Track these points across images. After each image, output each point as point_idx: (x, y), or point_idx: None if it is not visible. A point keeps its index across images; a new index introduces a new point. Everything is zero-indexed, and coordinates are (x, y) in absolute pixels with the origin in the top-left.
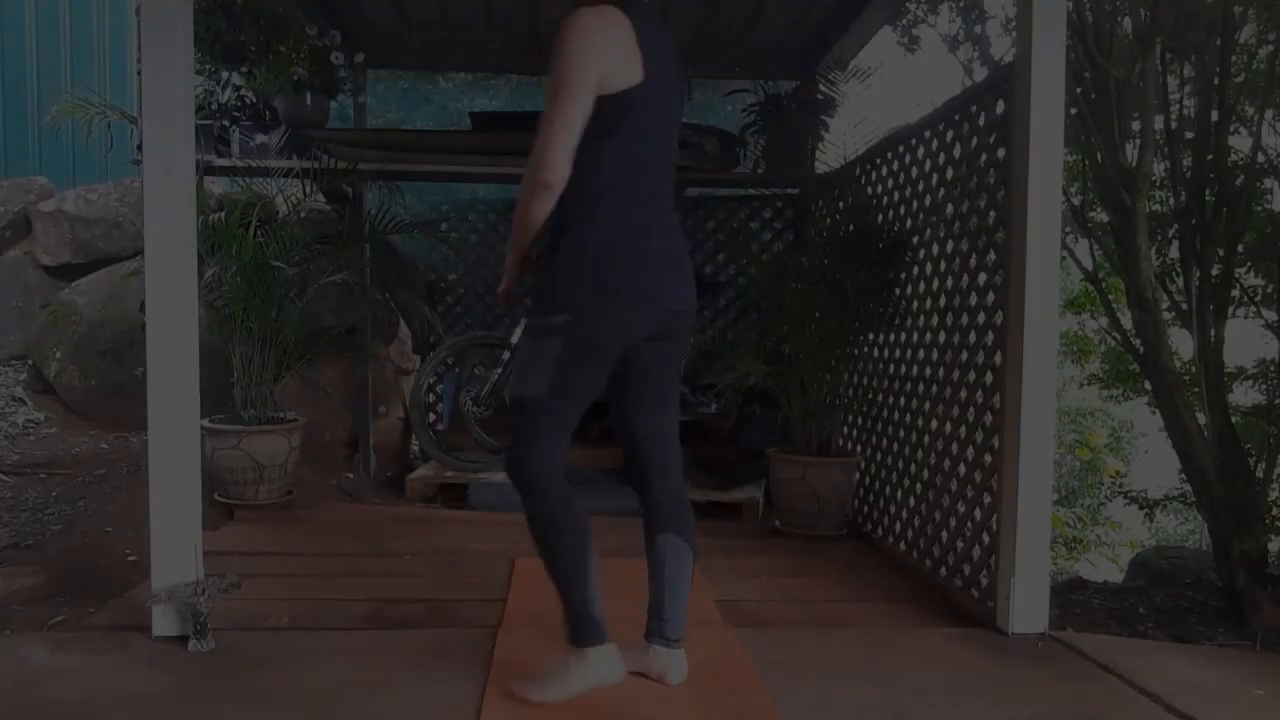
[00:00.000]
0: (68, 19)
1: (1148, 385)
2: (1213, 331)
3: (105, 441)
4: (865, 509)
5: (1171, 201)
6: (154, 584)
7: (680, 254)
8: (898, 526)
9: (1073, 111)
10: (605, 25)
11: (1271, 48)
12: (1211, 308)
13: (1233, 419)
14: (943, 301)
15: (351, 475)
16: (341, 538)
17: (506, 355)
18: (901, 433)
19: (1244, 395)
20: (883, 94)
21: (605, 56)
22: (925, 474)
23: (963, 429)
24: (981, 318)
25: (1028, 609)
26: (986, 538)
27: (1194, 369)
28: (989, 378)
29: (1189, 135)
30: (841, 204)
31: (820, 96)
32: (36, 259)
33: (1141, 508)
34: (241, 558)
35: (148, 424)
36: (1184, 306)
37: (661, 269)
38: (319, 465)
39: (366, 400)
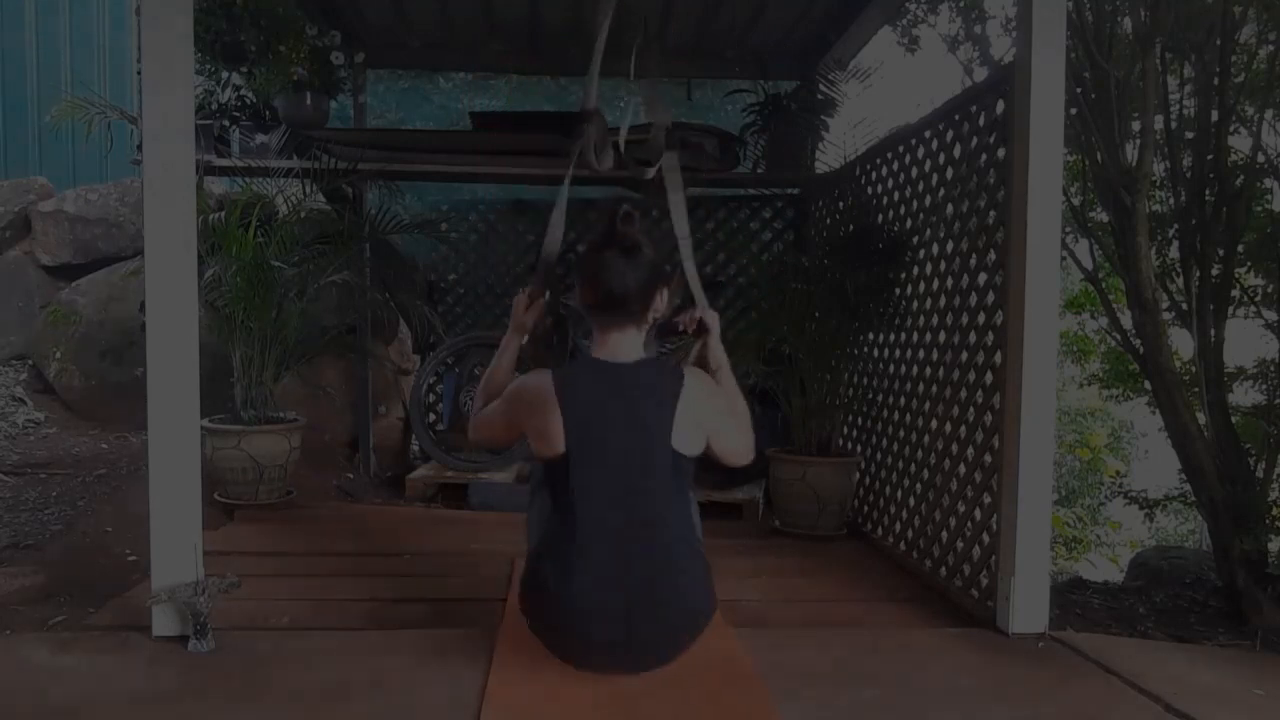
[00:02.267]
0: (68, 19)
1: (1148, 385)
2: (1213, 331)
3: (105, 441)
4: (865, 509)
5: (1171, 201)
6: (154, 584)
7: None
8: (898, 526)
9: (1073, 111)
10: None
11: (1271, 48)
12: (1211, 308)
13: (1233, 419)
14: (943, 301)
15: (351, 475)
16: (341, 538)
17: None
18: (901, 433)
19: (1244, 395)
20: (883, 94)
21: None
22: (925, 474)
23: (963, 429)
24: (981, 318)
25: (1028, 609)
26: (986, 538)
27: (1194, 369)
28: (989, 378)
29: (1189, 135)
30: (841, 204)
31: (820, 96)
32: (36, 259)
33: (1141, 508)
34: (241, 558)
35: (148, 424)
36: (1184, 306)
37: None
38: (319, 465)
39: (366, 400)
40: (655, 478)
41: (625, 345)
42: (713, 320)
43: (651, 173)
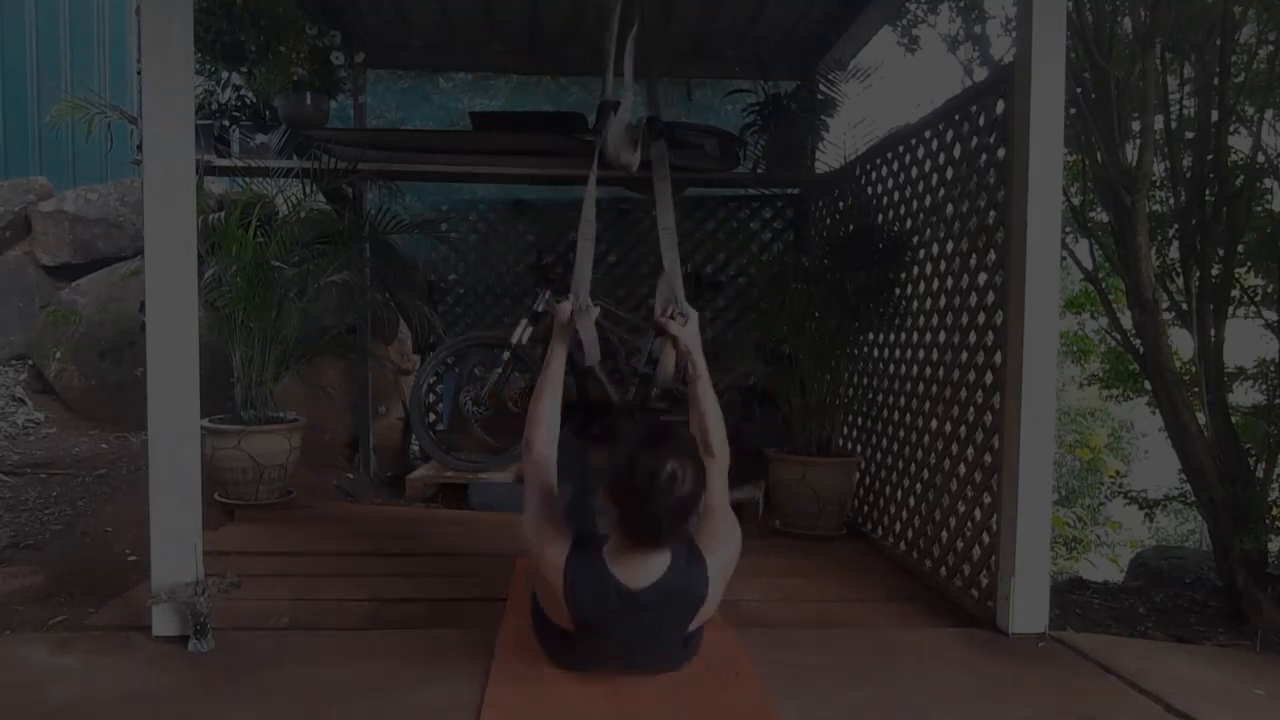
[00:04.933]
0: (68, 19)
1: (1148, 385)
2: (1213, 331)
3: (105, 441)
4: (865, 509)
5: (1171, 201)
6: (154, 584)
7: None
8: (898, 526)
9: (1073, 111)
10: None
11: (1271, 48)
12: (1211, 308)
13: (1233, 419)
14: (943, 301)
15: (351, 475)
16: (341, 538)
17: (506, 355)
18: (901, 433)
19: (1244, 395)
20: (883, 94)
21: None
22: (925, 474)
23: (963, 429)
24: (981, 318)
25: (1028, 609)
26: (986, 538)
27: (1194, 369)
28: (989, 378)
29: (1189, 135)
30: (841, 204)
31: (820, 96)
32: (36, 259)
33: (1141, 508)
34: (241, 558)
35: (148, 424)
36: (1184, 306)
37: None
38: (319, 465)
39: (366, 400)
40: (666, 658)
41: (650, 566)
42: (686, 325)
43: (636, 163)
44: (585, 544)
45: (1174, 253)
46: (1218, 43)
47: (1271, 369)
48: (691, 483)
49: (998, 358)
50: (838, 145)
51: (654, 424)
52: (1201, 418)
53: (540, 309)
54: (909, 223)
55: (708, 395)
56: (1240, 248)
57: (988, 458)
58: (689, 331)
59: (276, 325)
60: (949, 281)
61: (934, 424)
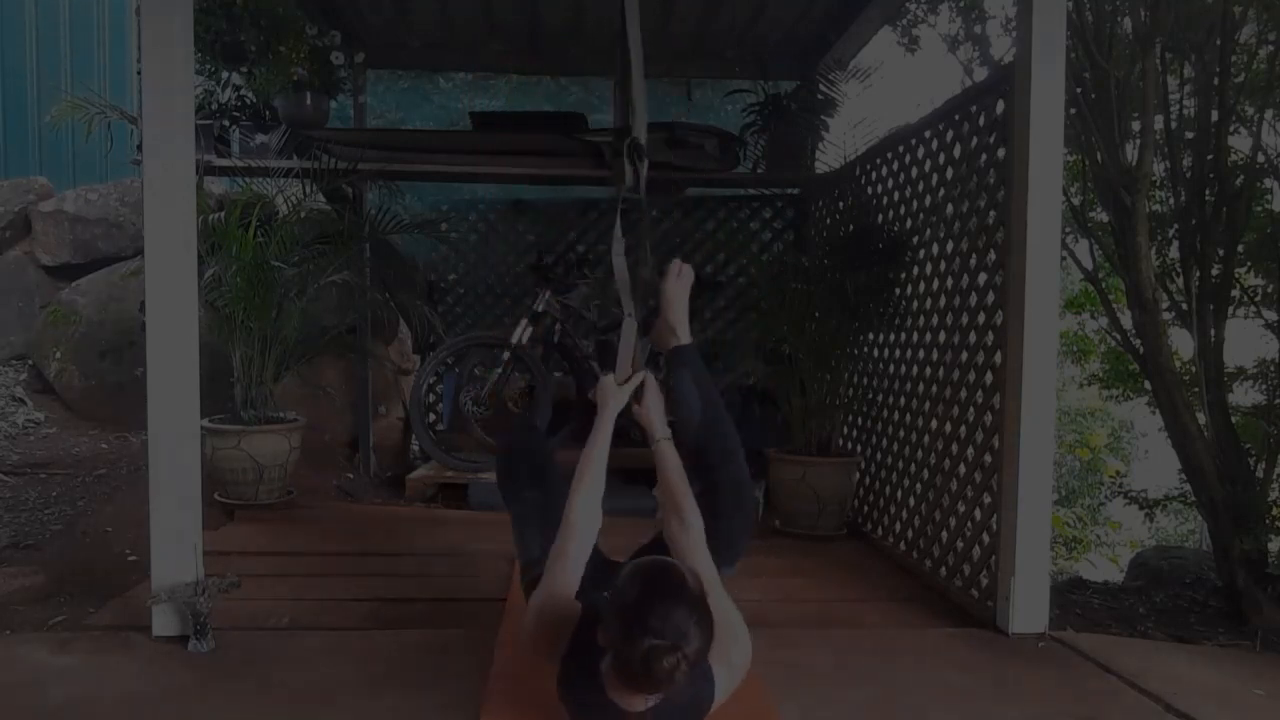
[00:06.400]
0: (68, 19)
1: (1148, 385)
2: (1213, 331)
3: (105, 441)
4: (865, 509)
5: (1171, 201)
6: (154, 584)
7: None
8: (898, 526)
9: (1073, 111)
10: None
11: (1271, 48)
12: (1211, 308)
13: (1233, 419)
14: (943, 301)
15: (351, 475)
16: (341, 538)
17: (506, 355)
18: (901, 433)
19: (1244, 395)
20: (883, 94)
21: None
22: (925, 474)
23: (963, 429)
24: (981, 318)
25: (1028, 609)
26: (986, 538)
27: (1194, 369)
28: (989, 378)
29: (1189, 135)
30: (841, 204)
31: (820, 96)
32: (36, 259)
33: (1141, 508)
34: (241, 558)
35: (148, 424)
36: (1184, 306)
37: None
38: (319, 465)
39: (366, 400)
40: None
41: (646, 700)
42: (646, 395)
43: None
44: (582, 655)
45: (1174, 253)
46: (1218, 43)
47: (1271, 369)
48: (696, 655)
49: (998, 358)
50: (838, 145)
51: (651, 586)
52: (1201, 418)
53: (540, 309)
54: (909, 223)
55: (671, 458)
56: (1240, 248)
57: (988, 458)
58: (651, 400)
59: (276, 325)
60: (949, 281)
61: (934, 424)
